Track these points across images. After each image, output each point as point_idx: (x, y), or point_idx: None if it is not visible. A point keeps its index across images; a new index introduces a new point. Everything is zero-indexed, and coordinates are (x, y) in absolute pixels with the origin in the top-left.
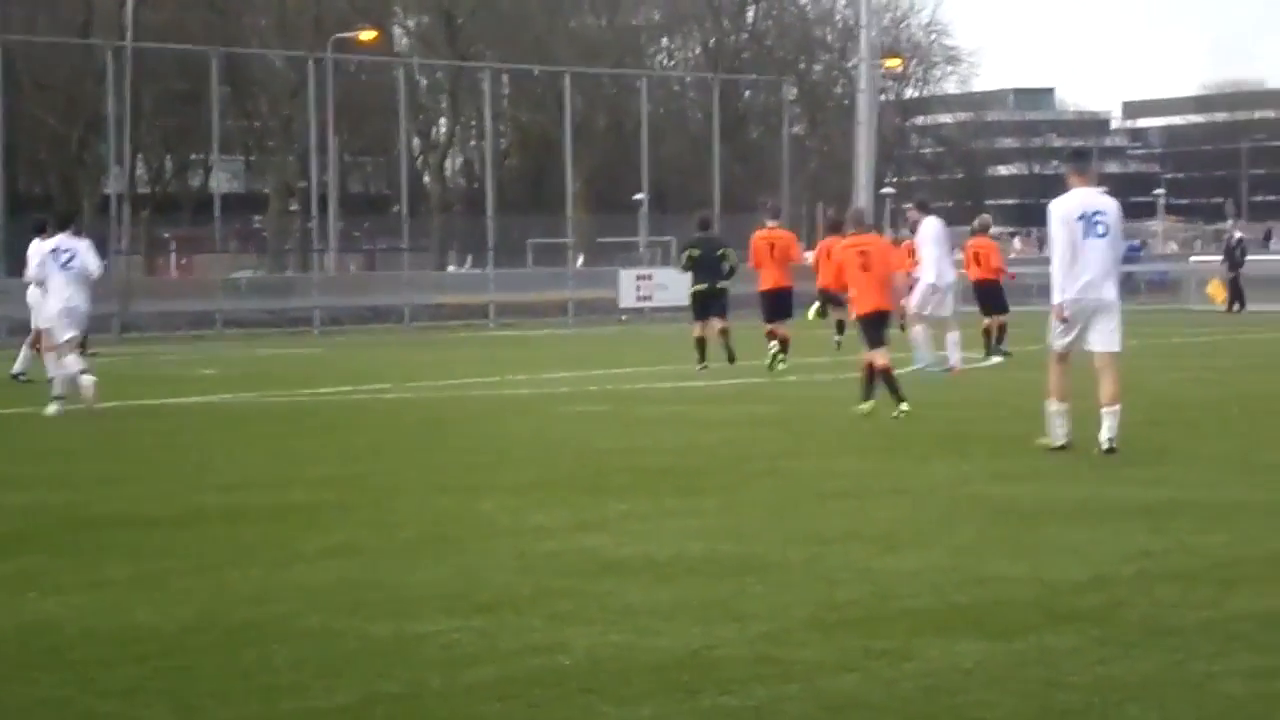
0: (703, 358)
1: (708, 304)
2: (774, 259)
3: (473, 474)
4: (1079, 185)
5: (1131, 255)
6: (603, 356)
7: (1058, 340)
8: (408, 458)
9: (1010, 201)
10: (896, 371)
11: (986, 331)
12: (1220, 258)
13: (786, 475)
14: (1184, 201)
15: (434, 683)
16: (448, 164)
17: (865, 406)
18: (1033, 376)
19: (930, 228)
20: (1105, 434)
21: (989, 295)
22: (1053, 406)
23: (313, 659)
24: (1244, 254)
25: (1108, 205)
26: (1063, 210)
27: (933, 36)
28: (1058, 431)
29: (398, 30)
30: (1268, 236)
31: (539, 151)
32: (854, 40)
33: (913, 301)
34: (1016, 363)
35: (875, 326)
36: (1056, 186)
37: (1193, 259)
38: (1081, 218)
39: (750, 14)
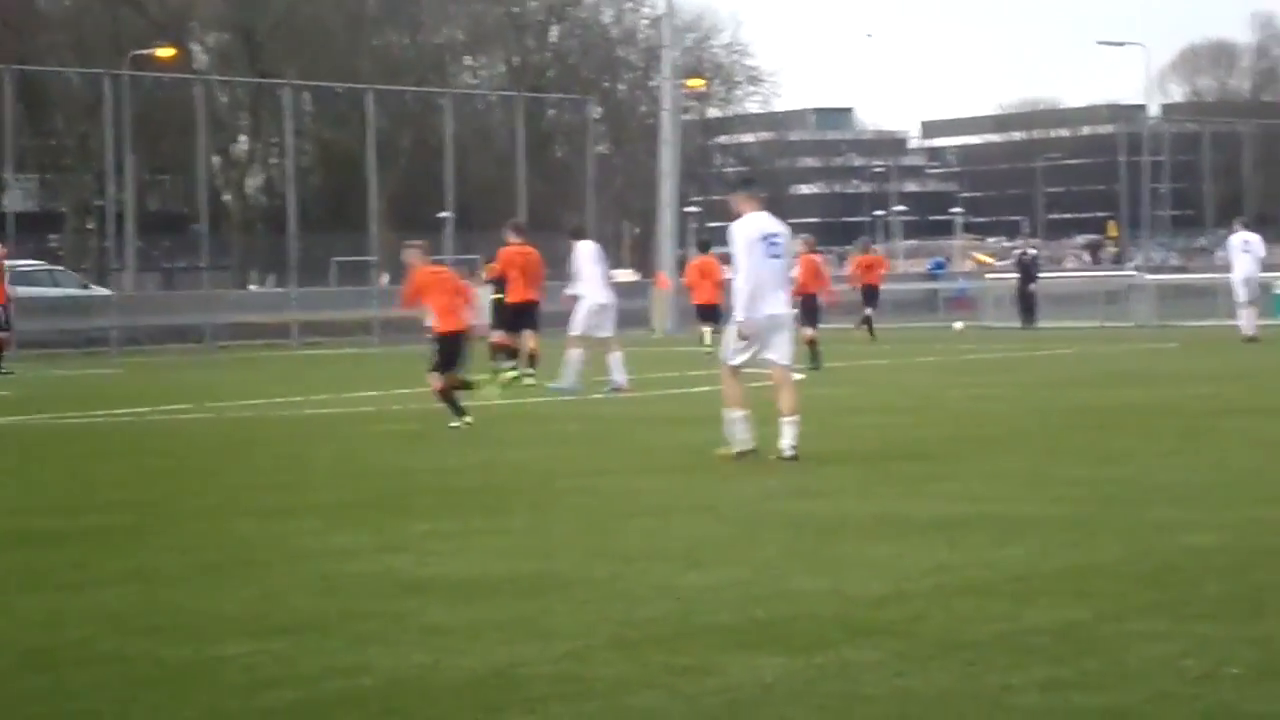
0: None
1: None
2: (523, 273)
3: (275, 496)
4: (752, 209)
5: (935, 272)
6: (408, 375)
7: (736, 355)
8: (208, 480)
9: (813, 220)
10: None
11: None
12: (1015, 274)
13: (591, 493)
14: (981, 220)
15: (233, 706)
16: (249, 181)
17: (461, 421)
18: (837, 393)
19: (586, 251)
20: (787, 441)
21: (807, 309)
22: (733, 414)
23: (108, 684)
24: (1037, 270)
25: (781, 229)
26: (745, 233)
27: (734, 57)
28: (739, 437)
29: (197, 47)
30: (1095, 248)
31: (342, 169)
32: (657, 60)
33: (574, 323)
34: (821, 378)
35: (454, 347)
36: (857, 204)
37: (988, 276)
38: (762, 239)
39: (554, 33)
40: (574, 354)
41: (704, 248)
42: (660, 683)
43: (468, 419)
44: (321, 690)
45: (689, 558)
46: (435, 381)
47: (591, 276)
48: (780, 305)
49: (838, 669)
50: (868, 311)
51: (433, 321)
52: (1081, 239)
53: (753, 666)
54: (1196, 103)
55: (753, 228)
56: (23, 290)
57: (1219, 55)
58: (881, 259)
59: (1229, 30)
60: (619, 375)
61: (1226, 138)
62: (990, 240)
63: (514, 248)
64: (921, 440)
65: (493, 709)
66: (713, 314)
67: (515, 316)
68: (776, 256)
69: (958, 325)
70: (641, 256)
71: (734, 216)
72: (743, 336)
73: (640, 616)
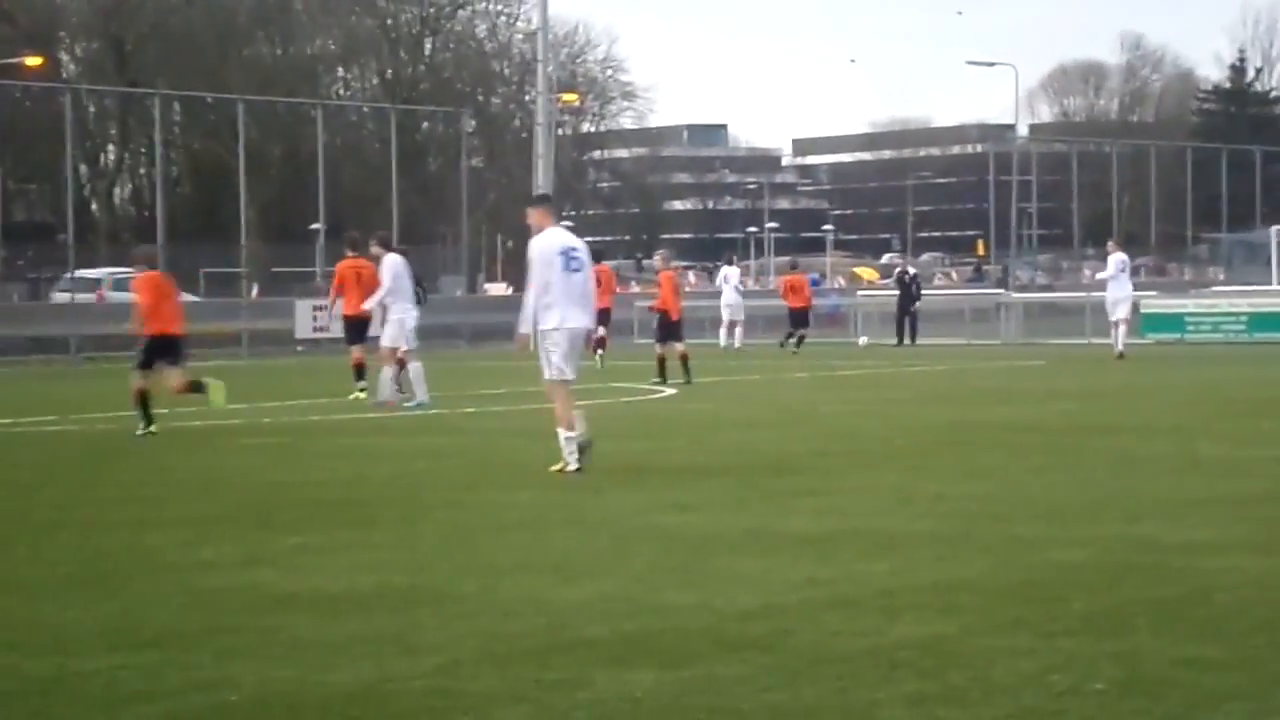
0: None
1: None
2: (359, 286)
3: (139, 508)
4: (549, 225)
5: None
6: (277, 388)
7: (561, 370)
8: (71, 492)
9: (685, 235)
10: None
11: (662, 360)
12: (895, 291)
13: (462, 507)
14: (852, 237)
15: None
16: (117, 191)
17: (146, 431)
18: (709, 408)
19: (391, 264)
20: (579, 429)
21: (670, 326)
22: (565, 434)
23: None
24: (918, 289)
25: (579, 243)
26: (543, 246)
27: (609, 72)
28: (573, 456)
29: (66, 56)
30: (977, 269)
31: (212, 179)
32: (532, 74)
33: (385, 340)
34: (693, 394)
35: (162, 351)
36: (730, 221)
37: (860, 294)
38: (561, 253)
39: (428, 45)
40: (414, 367)
41: (597, 258)
42: (529, 697)
43: (153, 429)
44: (186, 705)
45: (559, 572)
46: (137, 381)
47: (396, 289)
48: (581, 319)
49: (706, 683)
50: (800, 331)
51: (141, 323)
52: (927, 256)
53: (622, 680)
54: (1065, 123)
55: (553, 242)
56: None
57: (1088, 75)
58: (801, 279)
59: (1098, 51)
60: (387, 391)
61: (1095, 158)
62: (887, 258)
63: (348, 261)
64: (792, 455)
65: None
66: (604, 319)
67: (351, 330)
68: (577, 270)
69: (862, 341)
70: (515, 270)
71: (533, 231)
72: (555, 346)
73: (510, 630)
